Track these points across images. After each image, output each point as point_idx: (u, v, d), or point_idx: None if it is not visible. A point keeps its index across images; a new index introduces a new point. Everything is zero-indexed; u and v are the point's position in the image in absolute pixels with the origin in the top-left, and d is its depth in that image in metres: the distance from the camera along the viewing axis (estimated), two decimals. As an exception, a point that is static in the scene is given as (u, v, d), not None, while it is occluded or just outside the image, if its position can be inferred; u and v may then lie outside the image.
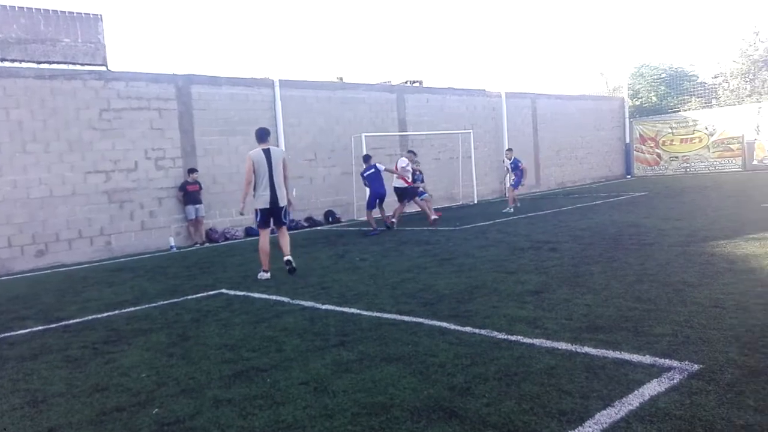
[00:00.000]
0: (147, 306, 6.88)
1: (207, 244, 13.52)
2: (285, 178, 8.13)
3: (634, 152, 27.30)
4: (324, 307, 6.04)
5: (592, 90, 35.23)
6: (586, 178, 25.49)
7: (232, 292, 7.30)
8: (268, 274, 8.11)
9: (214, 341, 5.07)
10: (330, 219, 16.33)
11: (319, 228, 15.28)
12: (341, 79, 19.95)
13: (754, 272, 5.98)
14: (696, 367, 3.54)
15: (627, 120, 27.57)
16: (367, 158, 13.75)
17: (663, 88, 29.66)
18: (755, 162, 23.58)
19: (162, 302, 7.01)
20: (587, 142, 25.63)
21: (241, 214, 8.75)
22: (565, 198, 18.40)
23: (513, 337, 4.45)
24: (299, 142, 16.08)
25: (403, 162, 13.88)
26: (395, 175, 13.53)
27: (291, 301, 6.44)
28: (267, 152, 7.97)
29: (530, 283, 6.35)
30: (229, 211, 14.58)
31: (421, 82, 21.33)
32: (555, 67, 66.58)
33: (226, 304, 6.61)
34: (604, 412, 3.02)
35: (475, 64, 65.03)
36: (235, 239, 14.17)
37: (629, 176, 27.09)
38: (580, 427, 2.88)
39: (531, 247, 8.92)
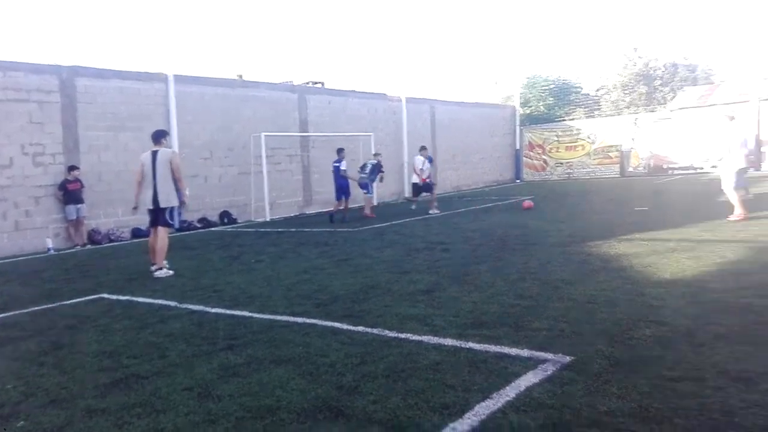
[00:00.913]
0: (17, 312, 6.35)
1: (89, 246, 12.72)
2: (177, 180, 8.08)
3: (524, 158, 28.80)
4: (214, 310, 5.87)
5: (486, 98, 36.78)
6: (480, 182, 26.53)
7: (114, 297, 6.91)
8: (164, 270, 8.10)
9: (92, 348, 4.78)
10: (225, 220, 15.89)
11: (213, 229, 14.82)
12: (241, 76, 19.46)
13: (624, 270, 6.49)
14: (568, 358, 3.79)
15: (518, 127, 29.01)
16: (339, 151, 15.15)
17: (551, 98, 31.50)
18: (631, 169, 25.60)
19: (35, 308, 6.51)
20: (482, 147, 26.69)
21: (135, 207, 8.53)
22: (460, 201, 19.05)
23: (403, 335, 4.55)
24: (195, 140, 15.52)
25: (419, 162, 15.39)
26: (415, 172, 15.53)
27: (178, 305, 6.20)
28: (154, 154, 8.06)
29: (423, 282, 6.51)
30: (115, 211, 13.80)
31: (323, 84, 21.31)
32: (452, 74, 68.87)
33: (107, 310, 6.25)
34: (483, 404, 3.16)
35: (376, 68, 65.90)
36: (121, 241, 13.42)
37: (519, 180, 28.51)
38: (460, 420, 3.00)
39: (425, 247, 9.15)
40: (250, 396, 3.52)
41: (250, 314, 5.58)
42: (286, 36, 73.58)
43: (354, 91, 21.12)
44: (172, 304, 6.29)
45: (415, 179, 15.90)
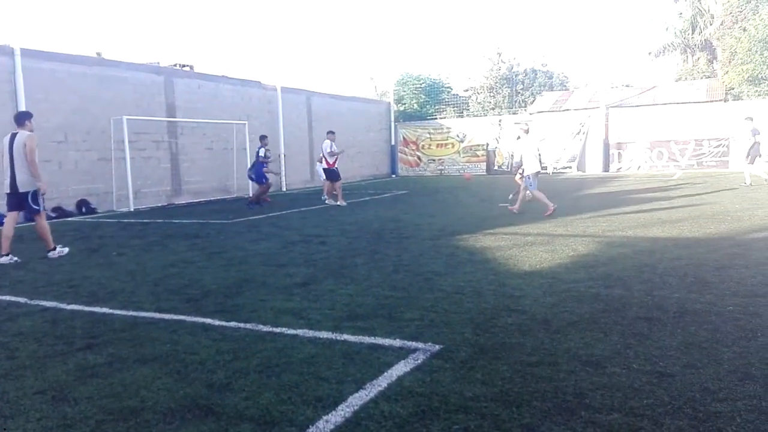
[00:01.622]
0: None
1: None
2: (29, 162, 7.81)
3: (399, 154, 29.54)
4: (70, 307, 5.41)
5: (362, 93, 37.20)
6: (357, 176, 26.81)
7: (-51, 294, 6.14)
8: (9, 257, 7.88)
9: None
10: (84, 209, 14.69)
11: (70, 219, 13.65)
12: (99, 54, 18.04)
13: (488, 262, 6.88)
14: (437, 347, 3.95)
15: (393, 123, 29.68)
16: (262, 138, 15.49)
17: (423, 96, 32.54)
18: (496, 167, 27.17)
19: None
20: (358, 141, 26.96)
21: None
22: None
23: (278, 329, 4.49)
24: (46, 122, 14.13)
25: (325, 144, 14.97)
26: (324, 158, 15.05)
27: (29, 302, 5.64)
28: (12, 137, 7.94)
29: (299, 275, 6.46)
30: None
31: (192, 67, 20.35)
32: (328, 67, 68.83)
33: (-59, 308, 5.54)
34: (357, 394, 3.21)
35: (250, 54, 64.05)
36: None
37: (394, 175, 29.20)
38: (333, 412, 3.02)
39: (302, 240, 9.09)
40: (111, 398, 3.30)
41: (111, 311, 5.22)
42: (152, 15, 69.31)
43: (226, 77, 20.39)
44: (22, 300, 5.72)
45: (324, 165, 15.26)
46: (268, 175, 15.52)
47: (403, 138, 29.53)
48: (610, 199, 13.67)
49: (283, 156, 21.68)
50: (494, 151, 27.31)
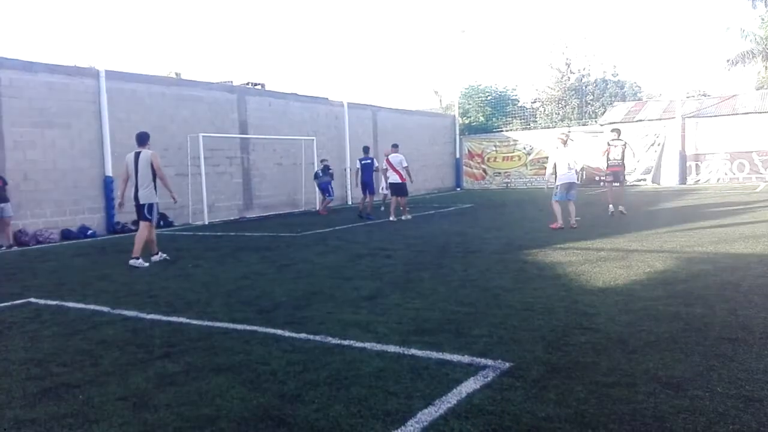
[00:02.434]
0: (-68, 319, 5.93)
1: (15, 248, 12.04)
2: (160, 177, 8.95)
3: (464, 167, 29.35)
4: (149, 317, 5.67)
5: (427, 106, 37.31)
6: (421, 189, 26.81)
7: (42, 302, 6.56)
8: (159, 256, 9.23)
9: (18, 356, 4.52)
10: (162, 223, 15.37)
11: (149, 232, 14.31)
12: (178, 75, 18.95)
13: (559, 278, 6.71)
14: (507, 365, 3.88)
15: (458, 137, 29.56)
16: (366, 149, 16.56)
17: (489, 109, 32.26)
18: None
19: (-48, 314, 6.10)
20: (423, 155, 27.01)
21: (120, 204, 9.25)
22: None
23: (346, 342, 4.53)
24: (128, 139, 14.86)
25: (398, 158, 14.73)
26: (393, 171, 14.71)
27: (111, 311, 5.95)
28: (137, 155, 8.89)
29: (365, 288, 6.51)
30: (43, 211, 13.16)
31: (263, 85, 21.04)
32: (393, 82, 69.47)
33: (35, 315, 5.93)
34: (426, 410, 3.19)
35: (317, 71, 65.64)
36: (50, 242, 12.79)
37: (459, 189, 29.02)
38: (402, 427, 3.01)
39: (368, 254, 9.17)
40: (188, 405, 3.42)
41: (188, 321, 5.43)
42: (226, 35, 72.27)
43: (295, 94, 20.96)
44: (105, 309, 6.04)
45: (396, 178, 14.60)
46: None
47: (468, 151, 29.34)
48: (688, 213, 13.06)
49: (348, 170, 21.99)
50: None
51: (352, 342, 4.53)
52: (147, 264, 8.79)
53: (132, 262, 8.67)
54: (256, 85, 20.96)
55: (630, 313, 5.03)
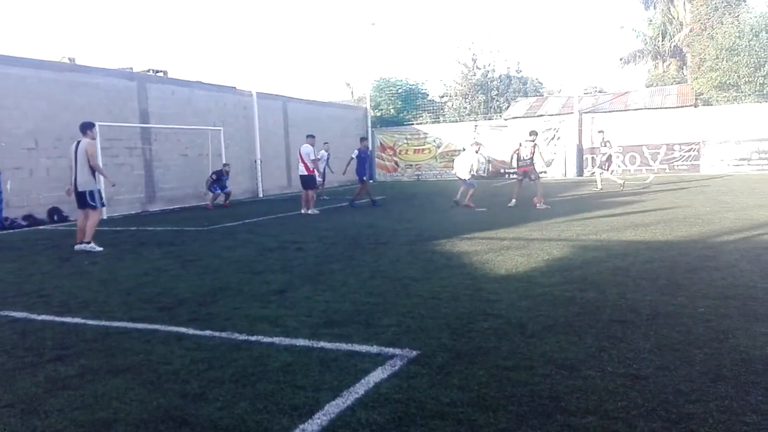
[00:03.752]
0: None
1: None
2: (92, 166, 9.21)
3: (377, 159, 29.56)
4: (40, 317, 5.29)
5: (339, 98, 37.20)
6: (334, 182, 26.72)
7: None
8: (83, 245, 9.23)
9: None
10: (55, 217, 14.41)
11: (41, 227, 13.38)
12: (72, 60, 17.75)
13: (465, 267, 6.91)
14: (414, 353, 3.95)
15: (370, 129, 29.70)
16: (363, 140, 17.08)
17: (400, 102, 32.64)
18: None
19: None
20: (335, 147, 26.85)
21: (67, 192, 9.58)
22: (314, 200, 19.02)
23: (254, 338, 4.44)
24: (16, 128, 13.88)
25: (306, 149, 14.56)
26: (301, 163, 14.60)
27: (-4, 313, 5.51)
28: (77, 144, 9.25)
29: (275, 282, 6.41)
30: None
31: (165, 73, 20.12)
32: (305, 72, 68.74)
33: None
34: (333, 402, 3.19)
35: (224, 60, 63.70)
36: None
37: (372, 181, 29.15)
38: (309, 420, 2.99)
39: (278, 247, 9.03)
40: (82, 409, 3.23)
41: (84, 321, 5.12)
42: (125, 19, 68.52)
43: (200, 82, 20.23)
44: (-12, 312, 5.57)
45: (303, 170, 14.53)
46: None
47: (381, 143, 29.57)
48: (585, 204, 13.85)
49: (259, 162, 21.55)
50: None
51: (260, 337, 4.44)
52: (101, 249, 9.23)
53: (78, 246, 9.21)
54: (157, 72, 20.00)
55: (530, 298, 5.27)
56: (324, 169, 18.75)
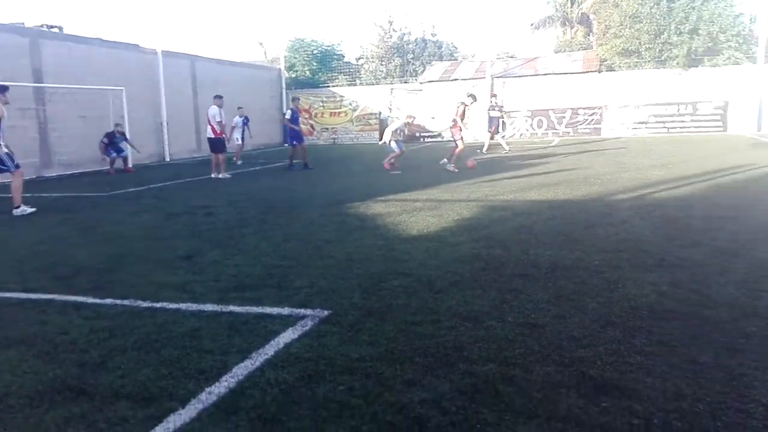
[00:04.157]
0: None
1: None
2: None
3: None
4: None
5: (252, 59, 35.98)
6: (247, 145, 26.00)
7: None
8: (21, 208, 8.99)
9: None
10: (-64, 185, 13.15)
11: None
12: (-52, 11, 16.03)
13: (378, 228, 6.98)
14: (326, 313, 3.97)
15: (284, 91, 29.01)
16: (294, 99, 17.07)
17: (315, 63, 32.01)
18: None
19: None
20: (248, 109, 26.08)
21: None
22: (226, 164, 18.46)
23: (158, 304, 4.31)
24: None
25: (212, 110, 13.85)
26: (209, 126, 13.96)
27: None
28: None
29: (182, 248, 6.22)
30: None
31: (61, 29, 18.63)
32: (214, 30, 65.82)
33: None
34: (242, 364, 3.16)
35: (126, 15, 59.76)
36: None
37: (287, 144, 28.60)
38: (217, 383, 2.95)
39: (186, 212, 8.74)
40: (-33, 387, 3.02)
41: (-31, 294, 4.76)
42: (14, -32, 62.46)
43: (100, 39, 18.89)
44: None
45: (210, 133, 14.02)
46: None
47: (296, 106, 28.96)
48: (494, 166, 14.28)
49: (165, 124, 20.60)
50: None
51: (165, 304, 4.31)
52: (34, 209, 9.08)
53: (15, 212, 8.88)
54: (52, 28, 18.47)
55: (439, 257, 5.41)
56: (243, 134, 18.23)
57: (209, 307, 4.20)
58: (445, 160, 13.86)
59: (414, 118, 15.71)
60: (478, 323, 3.67)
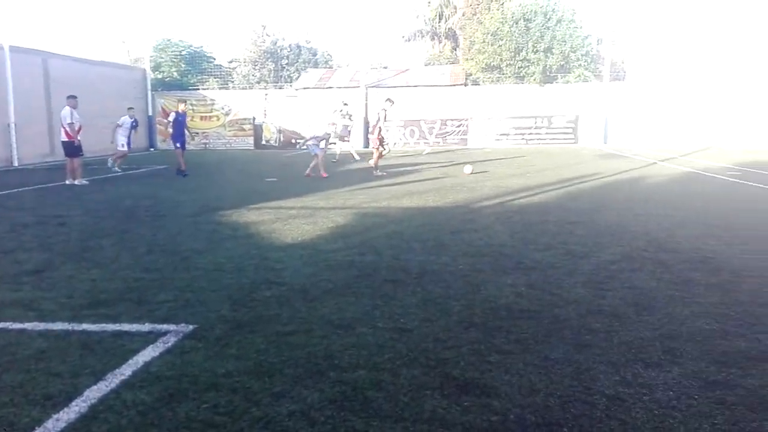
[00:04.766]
0: None
1: None
2: None
3: (157, 126, 27.54)
4: None
5: (113, 58, 33.75)
6: (109, 150, 24.32)
7: None
8: None
9: None
10: None
11: None
12: None
13: (251, 237, 6.82)
14: (191, 327, 3.80)
15: (149, 92, 27.50)
16: (180, 101, 15.31)
17: (184, 65, 30.68)
18: (264, 142, 26.95)
19: None
20: (111, 111, 24.33)
21: None
22: (84, 169, 17.12)
23: (1, 325, 3.89)
24: None
25: (64, 112, 12.89)
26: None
27: None
28: None
29: (30, 261, 5.67)
30: None
31: None
32: (71, 26, 61.03)
33: None
34: (95, 387, 2.94)
35: (-32, 5, 53.68)
36: None
37: (153, 149, 27.18)
38: (66, 409, 2.72)
39: (36, 222, 7.99)
40: None
41: None
42: None
43: (-68, 29, 16.79)
44: None
45: (63, 136, 13.11)
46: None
47: (162, 109, 27.55)
48: (368, 174, 14.50)
49: (13, 126, 18.72)
50: (261, 126, 27.05)
51: (8, 324, 3.91)
52: None
53: None
54: None
55: (313, 265, 5.39)
56: (129, 135, 16.77)
57: (59, 325, 3.86)
58: (373, 168, 14.22)
59: (335, 125, 15.81)
60: (350, 330, 3.70)
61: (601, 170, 13.81)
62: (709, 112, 23.54)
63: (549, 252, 5.76)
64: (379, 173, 13.78)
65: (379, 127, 14.26)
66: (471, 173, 13.66)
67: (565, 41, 25.23)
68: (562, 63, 25.26)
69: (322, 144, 13.96)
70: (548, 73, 25.34)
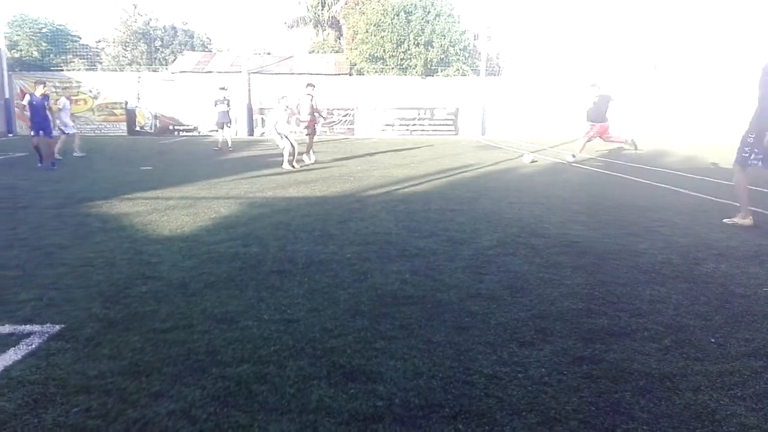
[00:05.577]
0: None
1: None
2: None
3: (16, 109, 25.04)
4: None
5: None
6: (-45, 134, 21.82)
7: None
8: None
9: None
10: None
11: None
12: None
13: (124, 230, 6.41)
14: (57, 328, 3.52)
15: (5, 72, 24.93)
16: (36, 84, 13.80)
17: (45, 44, 28.13)
18: (138, 128, 25.40)
19: None
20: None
21: None
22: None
23: None
24: None
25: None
26: None
27: None
28: None
29: None
30: None
31: None
32: None
33: None
34: (-58, 399, 2.64)
35: None
36: None
37: (11, 135, 24.71)
38: None
39: None
40: None
41: None
42: None
43: None
44: None
45: None
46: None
47: (21, 91, 25.08)
48: (253, 163, 14.18)
49: None
50: (135, 110, 25.47)
51: None
52: None
53: None
54: None
55: (193, 258, 5.18)
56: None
57: None
58: (305, 157, 13.99)
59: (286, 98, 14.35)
60: (234, 324, 3.60)
61: (479, 160, 14.47)
62: (578, 105, 25.47)
63: (431, 239, 5.95)
64: (308, 162, 13.77)
65: (316, 113, 14.28)
66: (532, 162, 13.82)
67: (444, 35, 26.04)
68: (441, 57, 26.07)
69: (295, 126, 13.56)
70: (429, 66, 26.06)
